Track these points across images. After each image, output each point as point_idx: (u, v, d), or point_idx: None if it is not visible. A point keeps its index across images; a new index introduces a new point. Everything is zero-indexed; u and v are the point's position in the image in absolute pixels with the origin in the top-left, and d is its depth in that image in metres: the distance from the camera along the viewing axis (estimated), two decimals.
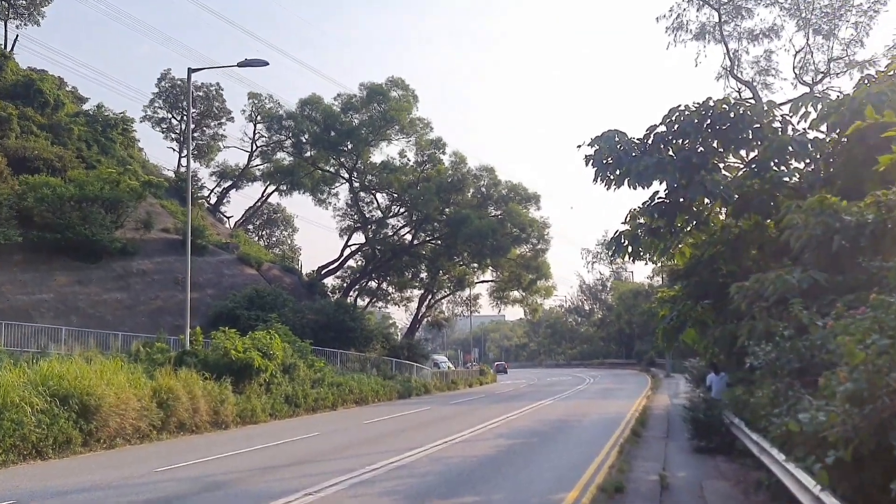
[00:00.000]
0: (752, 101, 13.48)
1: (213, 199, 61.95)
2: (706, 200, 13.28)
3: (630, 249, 13.91)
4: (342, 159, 50.03)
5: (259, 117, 53.58)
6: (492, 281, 57.64)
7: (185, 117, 65.03)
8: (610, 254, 13.94)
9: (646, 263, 63.54)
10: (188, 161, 24.99)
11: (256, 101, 53.39)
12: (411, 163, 50.96)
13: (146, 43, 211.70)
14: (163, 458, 14.49)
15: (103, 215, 38.35)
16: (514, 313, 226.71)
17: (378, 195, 52.40)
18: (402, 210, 52.24)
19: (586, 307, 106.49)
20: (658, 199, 13.66)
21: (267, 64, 23.77)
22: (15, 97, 45.61)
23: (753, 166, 13.17)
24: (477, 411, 27.18)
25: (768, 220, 12.80)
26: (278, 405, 24.33)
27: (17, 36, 59.43)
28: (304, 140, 48.18)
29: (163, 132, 64.87)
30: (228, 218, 62.24)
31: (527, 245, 51.32)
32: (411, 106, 47.80)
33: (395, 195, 50.79)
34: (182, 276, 41.80)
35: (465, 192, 49.56)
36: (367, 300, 59.22)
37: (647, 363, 71.75)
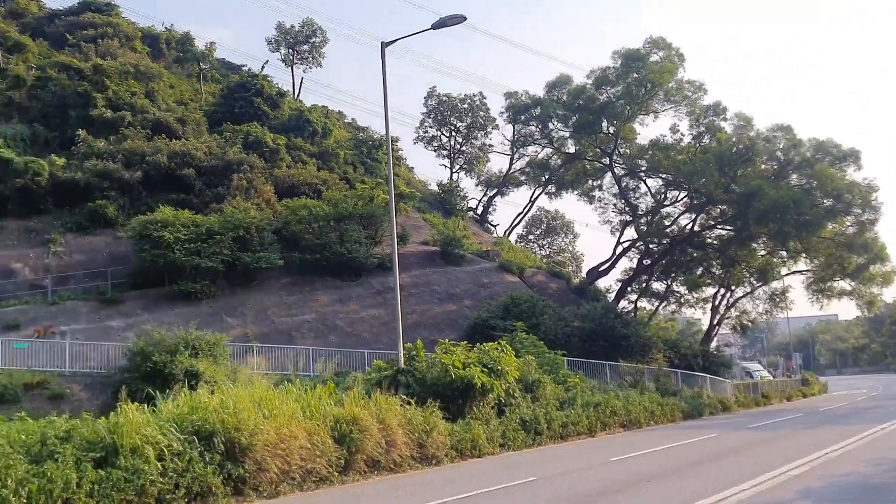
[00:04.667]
0: None
1: (481, 210, 60.46)
2: None
3: None
4: (601, 145, 44.27)
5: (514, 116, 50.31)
6: (806, 271, 46.68)
7: (452, 133, 64.99)
8: None
9: None
10: (387, 130, 21.88)
11: (514, 101, 50.15)
12: (686, 137, 43.30)
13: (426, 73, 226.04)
14: None
15: (359, 232, 37.94)
16: (847, 310, 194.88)
17: (648, 180, 45.56)
18: (679, 195, 44.67)
19: None
20: None
21: (464, 19, 19.99)
22: (288, 130, 48.39)
23: None
24: (781, 440, 19.90)
25: None
26: (511, 433, 19.85)
27: (303, 79, 64.73)
28: (553, 126, 43.49)
29: (434, 150, 65.49)
30: (495, 227, 60.13)
31: (847, 217, 39.88)
32: (676, 67, 40.39)
33: (669, 177, 43.45)
34: (440, 287, 40.30)
35: (754, 162, 40.28)
36: (655, 304, 52.22)
37: None
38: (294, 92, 61.84)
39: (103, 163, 36.04)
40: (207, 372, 22.66)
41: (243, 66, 60.49)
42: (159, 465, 11.65)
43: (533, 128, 46.35)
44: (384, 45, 21.14)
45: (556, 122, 43.83)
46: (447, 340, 21.59)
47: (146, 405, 13.14)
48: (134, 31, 51.87)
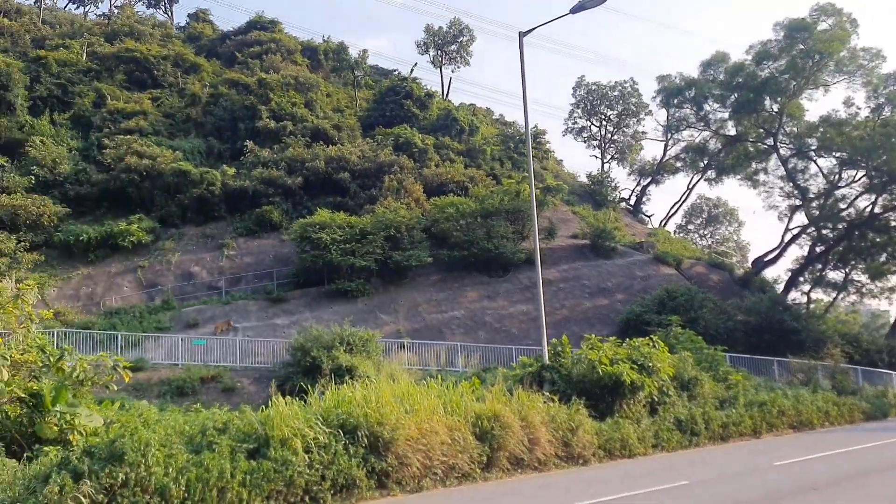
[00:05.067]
0: None
1: (634, 200, 58.35)
2: None
3: None
4: (764, 125, 41.03)
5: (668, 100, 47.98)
6: None
7: (602, 122, 63.30)
8: None
9: None
10: (526, 119, 21.58)
11: (667, 83, 47.84)
12: (863, 110, 39.21)
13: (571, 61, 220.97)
14: None
15: (506, 227, 37.90)
16: None
17: (818, 160, 41.63)
18: (856, 174, 40.49)
19: None
20: None
21: (604, 0, 19.16)
22: (436, 130, 49.33)
23: None
24: None
25: None
26: (665, 433, 18.86)
27: (451, 79, 65.83)
28: (710, 107, 40.89)
29: (584, 141, 64.28)
30: (650, 217, 57.79)
31: None
32: (848, 34, 36.61)
33: (844, 156, 39.49)
34: (590, 281, 39.24)
35: None
36: (833, 295, 47.83)
37: None
38: (443, 92, 62.95)
39: (268, 170, 38.63)
40: (361, 367, 23.57)
41: (394, 70, 62.46)
42: (306, 456, 12.05)
43: (687, 110, 43.96)
44: (522, 34, 20.92)
45: (712, 103, 41.21)
46: (594, 336, 20.93)
47: (300, 399, 13.80)
48: (294, 45, 55.16)
